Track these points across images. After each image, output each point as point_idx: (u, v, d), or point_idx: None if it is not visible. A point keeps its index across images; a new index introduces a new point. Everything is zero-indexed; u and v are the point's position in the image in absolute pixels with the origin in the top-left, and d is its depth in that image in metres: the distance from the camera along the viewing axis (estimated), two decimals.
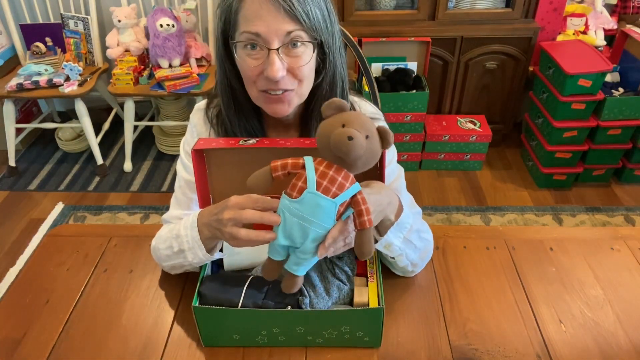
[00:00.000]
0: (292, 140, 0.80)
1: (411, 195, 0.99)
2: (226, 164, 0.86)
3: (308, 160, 0.69)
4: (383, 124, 0.98)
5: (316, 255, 0.71)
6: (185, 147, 0.99)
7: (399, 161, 1.02)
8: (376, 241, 0.85)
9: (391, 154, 0.98)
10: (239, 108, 0.90)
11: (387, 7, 2.42)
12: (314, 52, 0.81)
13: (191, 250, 0.85)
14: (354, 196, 0.69)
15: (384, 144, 0.69)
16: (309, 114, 0.91)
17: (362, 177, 0.80)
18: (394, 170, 0.97)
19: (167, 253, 0.91)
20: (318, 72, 0.86)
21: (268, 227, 0.72)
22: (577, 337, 0.88)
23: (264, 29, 0.76)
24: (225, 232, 0.75)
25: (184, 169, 0.98)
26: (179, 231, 0.87)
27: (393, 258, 0.90)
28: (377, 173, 0.82)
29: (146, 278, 1.01)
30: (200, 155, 0.84)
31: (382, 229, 0.84)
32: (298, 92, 0.84)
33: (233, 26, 0.80)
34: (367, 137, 0.66)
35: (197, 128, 0.98)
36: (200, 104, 1.00)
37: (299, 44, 0.79)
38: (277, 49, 0.78)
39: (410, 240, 0.87)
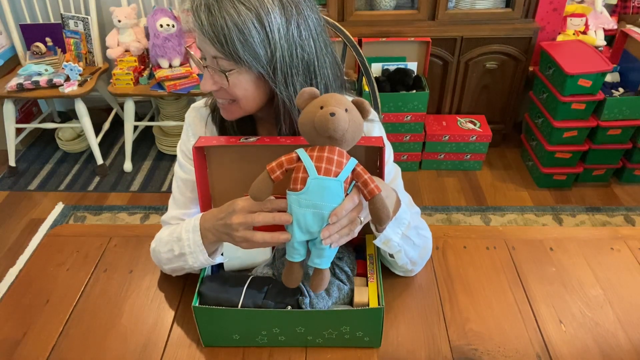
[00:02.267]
0: (292, 138, 0.81)
1: (409, 195, 0.99)
2: (227, 162, 0.86)
3: (301, 151, 0.70)
4: (378, 125, 0.98)
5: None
6: (182, 147, 0.99)
7: (398, 161, 1.02)
8: (374, 238, 0.85)
9: (387, 153, 0.97)
10: None
11: (387, 7, 2.42)
12: (249, 77, 0.80)
13: (192, 254, 0.85)
14: (354, 170, 0.70)
15: (364, 113, 0.71)
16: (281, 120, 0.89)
17: None
18: (390, 170, 0.98)
19: (167, 256, 0.91)
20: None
21: (277, 229, 0.73)
22: (577, 337, 0.88)
23: (198, 44, 0.80)
24: (236, 237, 0.76)
25: (181, 169, 0.98)
26: (180, 234, 0.87)
27: (392, 257, 0.90)
28: (377, 172, 0.82)
29: (146, 278, 1.01)
30: (201, 152, 0.84)
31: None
32: (240, 106, 0.84)
33: None
34: (346, 110, 0.68)
35: (192, 127, 0.98)
36: (196, 103, 1.00)
37: (218, 68, 0.79)
38: (206, 67, 0.80)
39: (408, 236, 0.87)
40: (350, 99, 0.72)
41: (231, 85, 0.80)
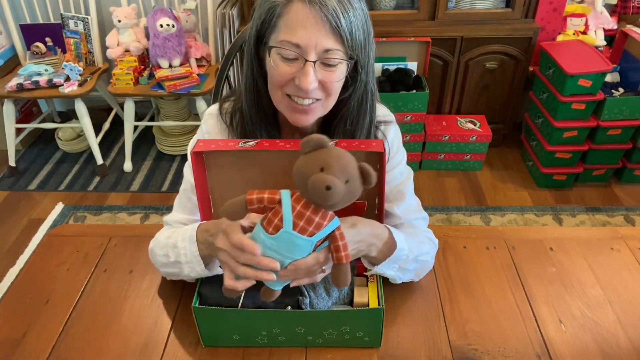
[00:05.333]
0: (293, 142, 0.79)
1: (418, 198, 0.98)
2: (225, 166, 0.85)
3: (285, 196, 0.68)
4: (394, 126, 0.96)
5: None
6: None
7: None
8: (367, 269, 0.86)
9: (400, 155, 0.96)
10: (261, 109, 0.88)
11: (387, 7, 2.42)
12: (347, 69, 0.80)
13: (189, 264, 0.85)
14: (332, 232, 0.69)
15: (366, 183, 0.67)
16: (332, 129, 0.88)
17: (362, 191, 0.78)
18: (402, 172, 0.95)
19: (163, 260, 0.90)
20: (346, 87, 0.84)
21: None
22: (577, 337, 0.88)
23: (305, 41, 0.74)
24: (220, 259, 0.77)
25: (191, 173, 0.96)
26: (176, 241, 0.86)
27: None
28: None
29: (146, 278, 1.01)
30: (199, 157, 0.83)
31: (368, 260, 0.86)
32: (324, 105, 0.83)
33: (271, 29, 0.78)
34: (347, 181, 0.64)
35: (210, 135, 0.94)
36: (212, 108, 0.96)
37: (336, 61, 0.77)
38: (314, 62, 0.76)
39: (405, 268, 0.88)
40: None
41: (335, 77, 0.79)
